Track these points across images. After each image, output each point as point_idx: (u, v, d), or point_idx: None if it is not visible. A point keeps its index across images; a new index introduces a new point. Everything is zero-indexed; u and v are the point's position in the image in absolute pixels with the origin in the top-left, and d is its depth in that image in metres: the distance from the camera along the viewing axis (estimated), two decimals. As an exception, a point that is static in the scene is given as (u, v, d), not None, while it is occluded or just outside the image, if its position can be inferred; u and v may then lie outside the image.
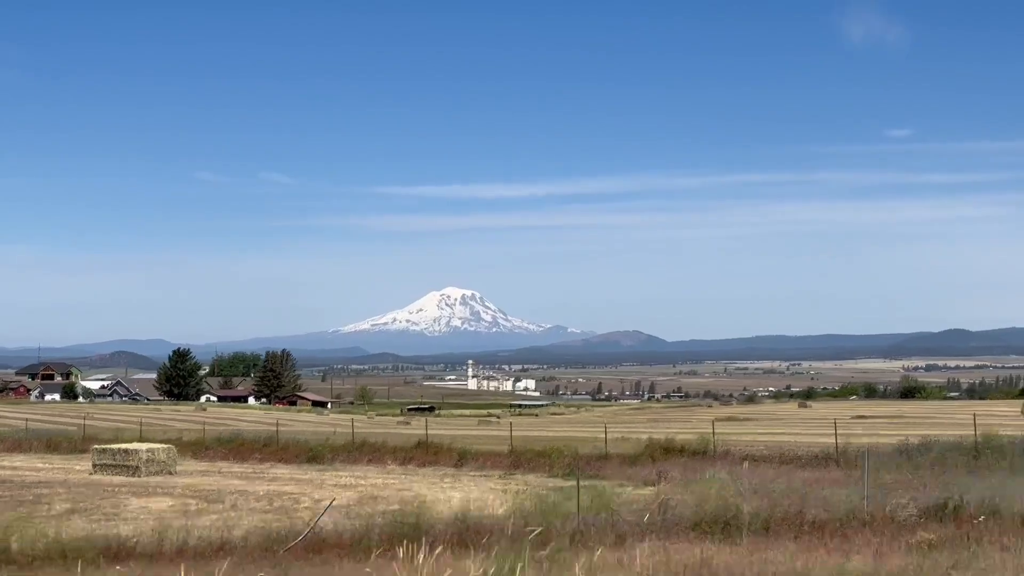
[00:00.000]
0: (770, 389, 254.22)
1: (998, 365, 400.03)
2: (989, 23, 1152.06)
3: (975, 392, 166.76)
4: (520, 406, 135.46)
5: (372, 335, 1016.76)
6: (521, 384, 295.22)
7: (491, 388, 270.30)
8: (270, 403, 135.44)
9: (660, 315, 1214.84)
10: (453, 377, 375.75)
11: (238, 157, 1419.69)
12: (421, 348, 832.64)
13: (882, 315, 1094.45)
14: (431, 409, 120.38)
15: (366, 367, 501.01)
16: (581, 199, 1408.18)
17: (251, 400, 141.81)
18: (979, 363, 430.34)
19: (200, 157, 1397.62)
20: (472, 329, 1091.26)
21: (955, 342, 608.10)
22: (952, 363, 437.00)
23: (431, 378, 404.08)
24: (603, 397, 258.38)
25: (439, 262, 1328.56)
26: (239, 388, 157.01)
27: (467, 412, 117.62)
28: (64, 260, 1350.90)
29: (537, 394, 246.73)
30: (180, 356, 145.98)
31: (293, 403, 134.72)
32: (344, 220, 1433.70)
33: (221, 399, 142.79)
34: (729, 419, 70.86)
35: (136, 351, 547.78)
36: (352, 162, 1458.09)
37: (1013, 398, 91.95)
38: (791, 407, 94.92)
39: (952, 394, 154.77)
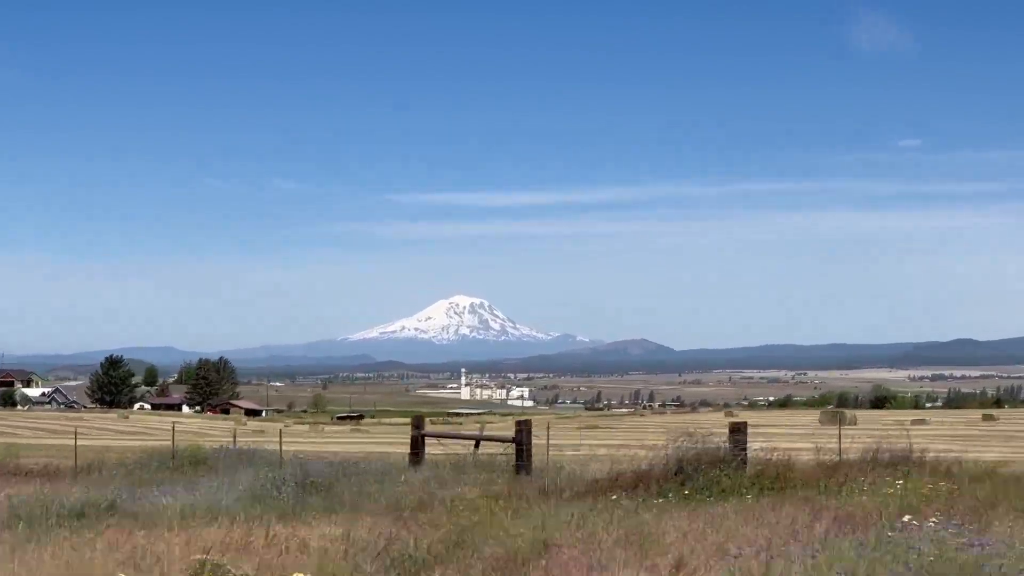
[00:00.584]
0: (770, 398, 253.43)
1: (1004, 375, 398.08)
2: (1002, 33, 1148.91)
3: (951, 402, 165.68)
4: (456, 414, 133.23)
5: (381, 343, 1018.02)
6: (515, 392, 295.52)
7: (484, 397, 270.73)
8: (203, 411, 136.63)
9: (669, 324, 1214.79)
10: (455, 386, 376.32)
11: (247, 163, 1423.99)
12: (429, 356, 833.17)
13: (891, 324, 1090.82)
14: (360, 417, 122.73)
15: (371, 375, 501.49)
16: (590, 207, 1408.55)
17: (184, 408, 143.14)
18: (985, 373, 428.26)
19: (208, 163, 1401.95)
20: (481, 337, 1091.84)
21: (963, 352, 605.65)
22: (959, 373, 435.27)
23: (434, 386, 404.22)
24: (602, 406, 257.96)
25: (448, 270, 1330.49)
26: (174, 396, 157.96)
27: (400, 420, 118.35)
28: (72, 267, 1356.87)
29: (531, 403, 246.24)
30: (112, 364, 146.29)
31: (226, 411, 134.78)
32: (353, 227, 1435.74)
33: (155, 407, 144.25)
34: (592, 427, 70.54)
35: (144, 358, 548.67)
36: (361, 169, 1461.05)
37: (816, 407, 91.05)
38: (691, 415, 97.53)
39: (931, 404, 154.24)
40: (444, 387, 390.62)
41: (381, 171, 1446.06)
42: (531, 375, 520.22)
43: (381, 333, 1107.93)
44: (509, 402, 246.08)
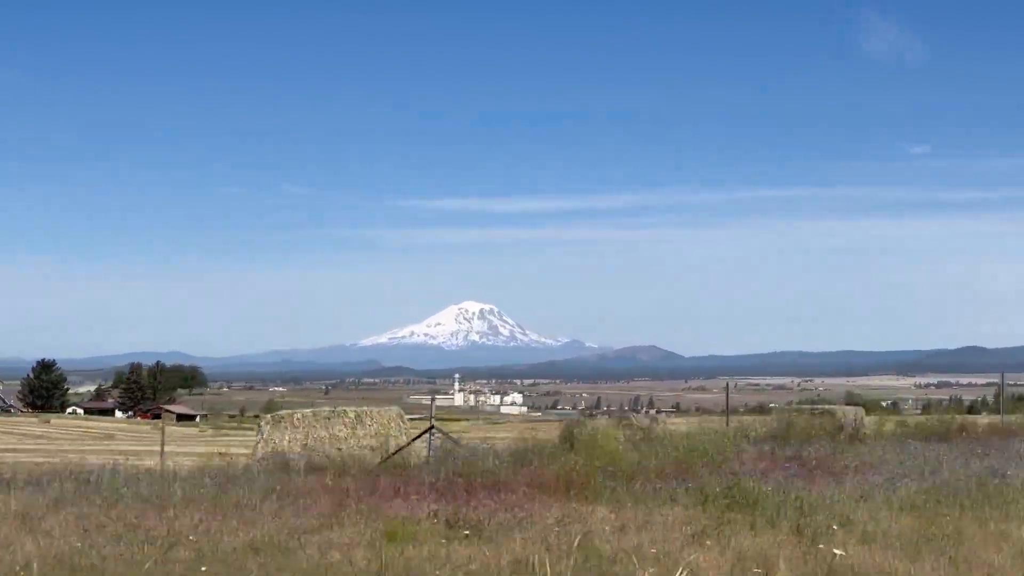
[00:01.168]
0: (772, 404, 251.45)
1: (1012, 383, 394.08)
2: (1013, 40, 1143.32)
3: (930, 407, 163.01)
4: None
5: (390, 349, 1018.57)
6: (508, 398, 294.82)
7: (477, 402, 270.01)
8: (134, 416, 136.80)
9: (678, 330, 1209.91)
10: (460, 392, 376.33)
11: (256, 168, 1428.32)
12: (438, 362, 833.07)
13: (900, 331, 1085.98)
14: (194, 417, 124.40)
15: (377, 381, 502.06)
16: (599, 214, 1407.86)
17: (117, 413, 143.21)
18: (991, 380, 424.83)
19: (218, 168, 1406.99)
20: (490, 343, 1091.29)
21: (971, 359, 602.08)
22: (964, 380, 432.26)
23: (437, 392, 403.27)
24: (600, 412, 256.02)
25: (457, 276, 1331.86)
26: (108, 401, 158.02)
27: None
28: (81, 272, 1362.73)
29: (525, 409, 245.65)
30: (44, 368, 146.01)
31: (157, 416, 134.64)
32: (363, 233, 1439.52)
33: (88, 411, 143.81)
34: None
35: (152, 363, 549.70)
36: (370, 175, 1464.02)
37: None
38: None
39: (914, 412, 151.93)
40: (447, 392, 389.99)
41: (391, 176, 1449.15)
42: (536, 381, 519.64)
43: (391, 339, 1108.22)
44: (503, 409, 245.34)
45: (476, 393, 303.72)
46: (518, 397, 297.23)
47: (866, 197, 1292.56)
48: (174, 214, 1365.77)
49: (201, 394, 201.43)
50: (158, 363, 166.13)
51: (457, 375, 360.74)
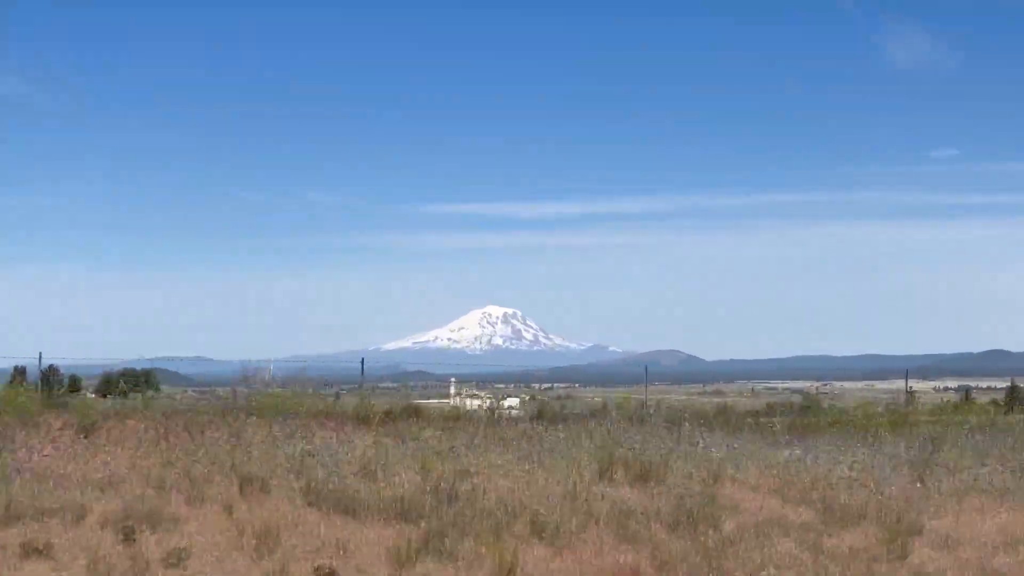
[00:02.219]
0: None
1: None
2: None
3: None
4: None
5: (414, 353, 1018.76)
6: (506, 403, 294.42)
7: (474, 406, 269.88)
8: None
9: (700, 334, 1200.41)
10: (462, 394, 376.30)
11: (280, 176, 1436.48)
12: (461, 367, 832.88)
13: (924, 335, 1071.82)
14: None
15: (396, 385, 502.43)
16: (621, 217, 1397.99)
17: None
18: (1012, 384, 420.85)
19: (242, 174, 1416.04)
20: (513, 348, 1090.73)
21: (995, 363, 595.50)
22: (984, 384, 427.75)
23: (447, 396, 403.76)
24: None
25: (480, 280, 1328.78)
26: None
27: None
28: (106, 277, 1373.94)
29: (521, 413, 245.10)
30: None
31: None
32: (386, 237, 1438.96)
33: None
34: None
35: (178, 369, 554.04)
36: (393, 180, 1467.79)
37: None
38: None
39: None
40: (445, 397, 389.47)
41: (414, 183, 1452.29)
42: (554, 385, 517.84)
43: (414, 343, 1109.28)
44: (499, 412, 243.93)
45: (472, 397, 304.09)
46: (515, 401, 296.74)
47: (891, 201, 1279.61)
48: (196, 220, 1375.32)
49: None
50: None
51: (453, 378, 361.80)
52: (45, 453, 15.23)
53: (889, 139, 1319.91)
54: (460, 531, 12.53)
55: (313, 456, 15.44)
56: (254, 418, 17.56)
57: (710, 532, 13.20)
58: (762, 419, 25.10)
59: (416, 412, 20.93)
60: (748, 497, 15.07)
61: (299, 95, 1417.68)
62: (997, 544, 13.55)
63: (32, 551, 11.47)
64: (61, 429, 16.36)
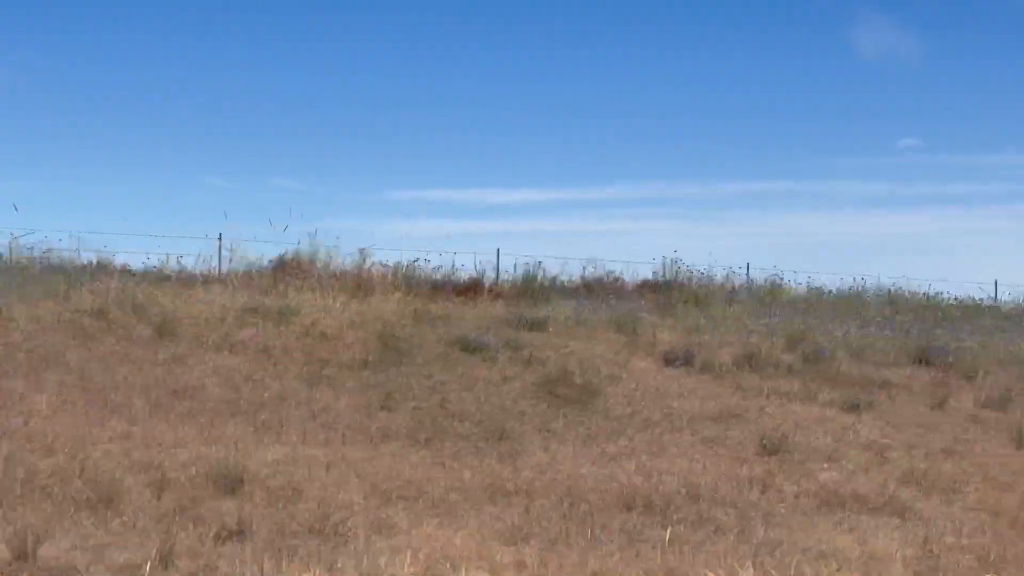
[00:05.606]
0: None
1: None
2: (1007, 32, 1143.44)
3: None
4: None
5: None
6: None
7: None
8: None
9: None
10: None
11: (241, 161, 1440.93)
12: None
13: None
14: None
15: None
16: (592, 205, 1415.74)
17: None
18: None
19: (208, 160, 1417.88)
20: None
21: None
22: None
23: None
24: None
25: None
26: None
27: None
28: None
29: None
30: None
31: None
32: (359, 225, 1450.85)
33: None
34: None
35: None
36: (364, 166, 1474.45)
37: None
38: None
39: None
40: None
41: (385, 168, 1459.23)
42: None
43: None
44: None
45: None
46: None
47: (858, 191, 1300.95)
48: (165, 209, 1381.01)
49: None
50: None
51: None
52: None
53: (856, 129, 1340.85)
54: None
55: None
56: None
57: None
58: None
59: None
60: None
61: (263, 78, 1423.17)
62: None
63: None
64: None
